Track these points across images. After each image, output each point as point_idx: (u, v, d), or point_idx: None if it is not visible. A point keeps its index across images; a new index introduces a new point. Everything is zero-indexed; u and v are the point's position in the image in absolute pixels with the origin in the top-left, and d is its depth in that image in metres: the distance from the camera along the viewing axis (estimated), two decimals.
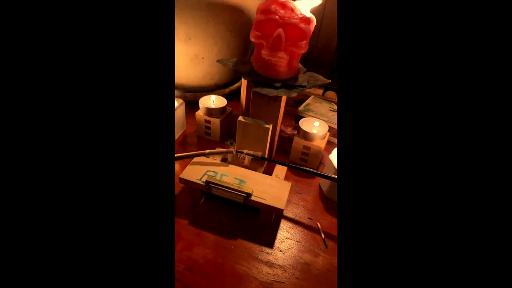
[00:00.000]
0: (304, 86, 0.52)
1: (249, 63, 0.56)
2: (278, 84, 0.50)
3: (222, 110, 0.62)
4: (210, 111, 0.61)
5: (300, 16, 0.49)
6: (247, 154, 0.50)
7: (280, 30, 0.48)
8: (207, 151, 0.50)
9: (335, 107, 0.72)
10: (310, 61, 0.94)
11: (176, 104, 0.61)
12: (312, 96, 0.76)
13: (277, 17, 0.48)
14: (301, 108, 0.70)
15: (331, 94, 0.79)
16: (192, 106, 0.71)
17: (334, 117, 0.68)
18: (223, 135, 0.65)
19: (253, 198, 0.43)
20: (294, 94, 0.50)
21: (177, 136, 0.64)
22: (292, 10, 0.50)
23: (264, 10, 0.50)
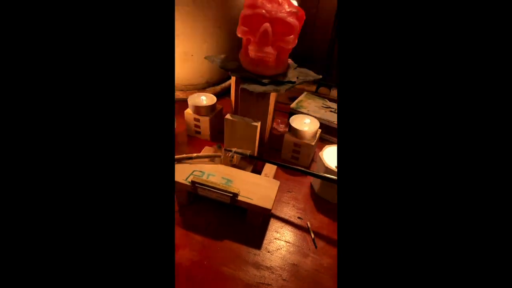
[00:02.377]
0: (293, 82, 0.51)
1: (237, 60, 0.55)
2: (265, 80, 0.49)
3: (211, 108, 0.61)
4: (199, 110, 0.60)
5: (288, 10, 0.48)
6: (235, 152, 0.49)
7: (267, 24, 0.47)
8: (194, 154, 0.49)
9: (328, 103, 0.71)
10: (304, 57, 0.92)
11: None
12: (305, 93, 0.75)
13: (264, 11, 0.47)
14: (293, 105, 0.69)
15: (324, 90, 0.77)
16: (182, 104, 0.69)
17: (326, 114, 0.66)
18: (213, 134, 0.63)
19: (240, 198, 0.42)
20: (282, 90, 0.49)
21: None
22: (280, 4, 0.48)
23: (251, 5, 0.48)
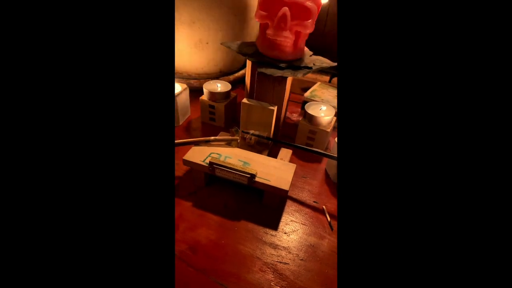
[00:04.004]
0: (310, 68, 0.51)
1: (254, 45, 0.55)
2: (283, 65, 0.49)
3: (226, 94, 0.61)
4: (214, 96, 0.60)
5: None
6: (252, 134, 0.49)
7: (286, 8, 0.47)
8: (212, 137, 0.49)
9: None
10: (316, 49, 0.92)
11: (180, 89, 0.60)
12: (318, 83, 0.75)
13: None
14: (307, 94, 0.69)
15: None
16: (196, 93, 0.70)
17: None
18: (227, 121, 0.64)
19: (257, 179, 0.42)
20: (299, 75, 0.49)
21: (181, 122, 0.64)
22: None
23: None
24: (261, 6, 0.49)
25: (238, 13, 0.66)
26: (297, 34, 0.49)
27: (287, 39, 0.48)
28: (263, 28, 0.51)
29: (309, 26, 0.49)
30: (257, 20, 0.50)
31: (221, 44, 0.56)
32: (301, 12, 0.47)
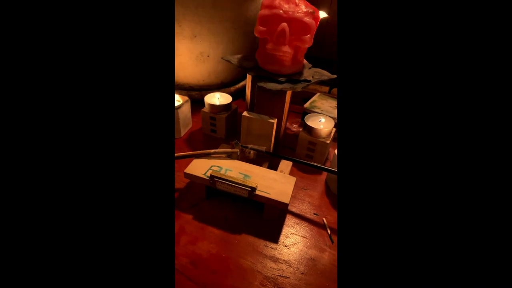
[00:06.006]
0: (309, 81, 0.52)
1: (253, 59, 0.56)
2: (282, 79, 0.50)
3: (227, 107, 0.62)
4: (215, 108, 0.61)
5: (305, 10, 0.49)
6: (251, 148, 0.50)
7: (284, 24, 0.48)
8: (212, 150, 0.50)
9: None
10: (315, 59, 0.93)
11: (182, 101, 0.61)
12: (318, 94, 0.75)
13: (281, 11, 0.48)
14: (307, 105, 0.70)
15: (337, 91, 0.78)
16: (198, 104, 0.71)
17: None
18: (228, 132, 0.65)
19: (257, 192, 0.43)
20: (298, 89, 0.50)
21: (182, 133, 0.65)
22: (297, 4, 0.49)
23: (269, 5, 0.50)
24: (260, 21, 0.50)
25: (239, 27, 0.67)
26: (296, 49, 0.50)
27: (286, 54, 0.49)
28: (262, 42, 0.52)
29: (307, 41, 0.50)
30: (256, 35, 0.51)
31: (222, 58, 0.57)
32: (300, 27, 0.49)
